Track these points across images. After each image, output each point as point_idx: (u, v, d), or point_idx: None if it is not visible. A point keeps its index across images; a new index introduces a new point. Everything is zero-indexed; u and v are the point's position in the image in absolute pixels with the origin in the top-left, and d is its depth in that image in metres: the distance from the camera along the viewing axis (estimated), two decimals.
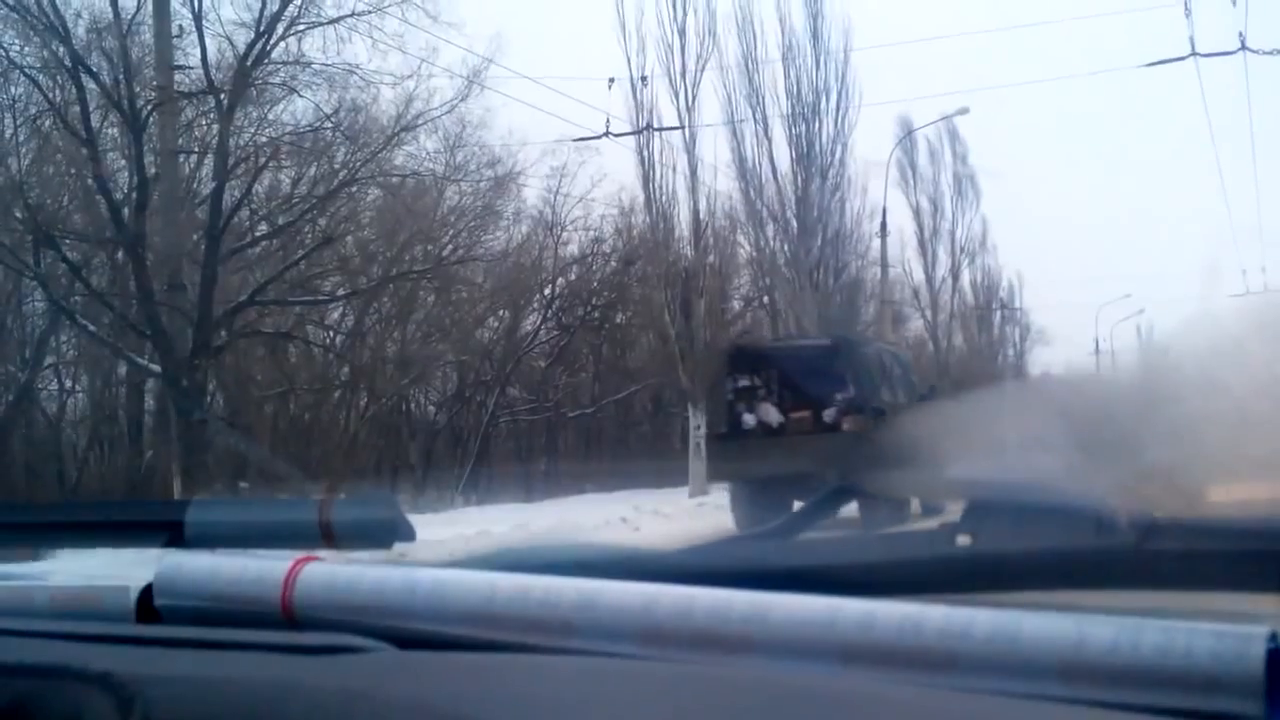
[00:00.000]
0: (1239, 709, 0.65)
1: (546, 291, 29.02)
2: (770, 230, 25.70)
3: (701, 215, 23.63)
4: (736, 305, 30.07)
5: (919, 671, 0.71)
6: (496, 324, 27.98)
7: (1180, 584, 0.75)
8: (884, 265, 29.03)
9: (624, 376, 30.20)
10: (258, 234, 20.18)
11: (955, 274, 41.00)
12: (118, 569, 1.08)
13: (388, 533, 1.01)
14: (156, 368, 17.63)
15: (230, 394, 21.86)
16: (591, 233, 29.51)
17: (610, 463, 25.88)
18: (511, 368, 27.43)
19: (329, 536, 1.01)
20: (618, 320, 30.29)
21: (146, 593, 0.99)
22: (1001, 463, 0.80)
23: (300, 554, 0.96)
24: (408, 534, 1.00)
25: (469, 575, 0.88)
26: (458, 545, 7.28)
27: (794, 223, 25.63)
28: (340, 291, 22.51)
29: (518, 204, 27.08)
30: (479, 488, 24.35)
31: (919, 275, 39.56)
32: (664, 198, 23.19)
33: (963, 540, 0.80)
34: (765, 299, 28.30)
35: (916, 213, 39.01)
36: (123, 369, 21.15)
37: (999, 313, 45.65)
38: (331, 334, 24.41)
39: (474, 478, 24.94)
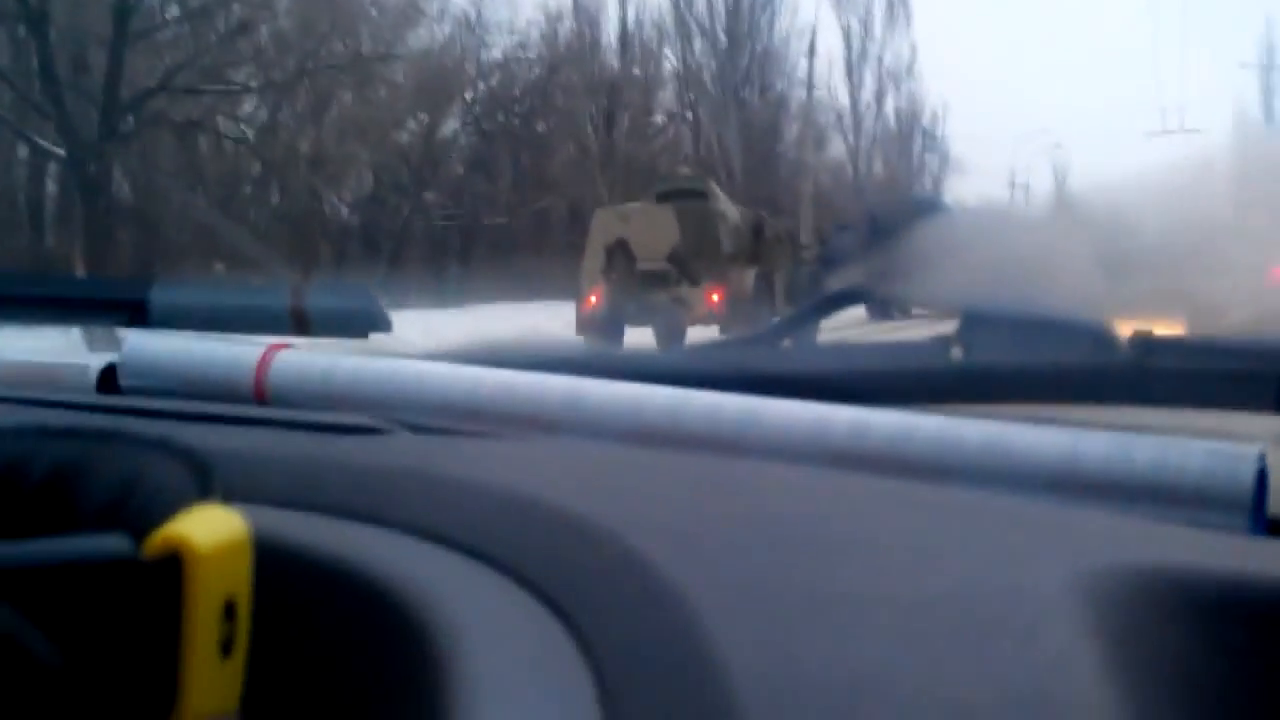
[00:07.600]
0: (1225, 522, 0.67)
1: (468, 96, 28.36)
2: (698, 45, 25.26)
3: (629, 26, 23.14)
4: (660, 120, 29.71)
5: (910, 479, 0.72)
6: (415, 126, 27.35)
7: (1176, 402, 0.76)
8: (810, 86, 28.66)
9: (542, 187, 29.86)
10: (168, 16, 19.36)
11: (880, 99, 40.77)
12: (71, 348, 1.05)
13: (363, 322, 0.99)
14: (60, 151, 17.04)
15: (137, 183, 21.22)
16: (516, 37, 28.77)
17: (525, 273, 25.76)
18: (428, 172, 26.94)
19: (302, 323, 0.98)
20: (539, 129, 29.77)
21: (109, 372, 0.95)
22: (1003, 277, 0.80)
23: (272, 340, 0.93)
24: (384, 324, 0.98)
25: (453, 368, 0.86)
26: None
27: (723, 37, 25.19)
28: (254, 83, 21.77)
29: (442, 2, 26.24)
30: (389, 291, 24.15)
31: (844, 99, 39.30)
32: (592, 5, 22.62)
33: (956, 352, 0.80)
34: (689, 114, 27.96)
35: (846, 34, 38.49)
36: (23, 151, 20.37)
37: (920, 141, 45.63)
38: (244, 127, 23.68)
39: (384, 281, 24.67)
